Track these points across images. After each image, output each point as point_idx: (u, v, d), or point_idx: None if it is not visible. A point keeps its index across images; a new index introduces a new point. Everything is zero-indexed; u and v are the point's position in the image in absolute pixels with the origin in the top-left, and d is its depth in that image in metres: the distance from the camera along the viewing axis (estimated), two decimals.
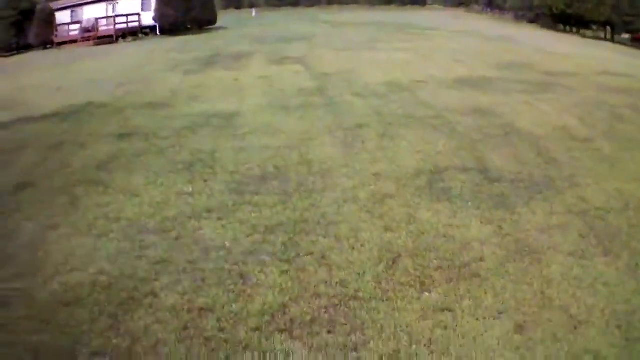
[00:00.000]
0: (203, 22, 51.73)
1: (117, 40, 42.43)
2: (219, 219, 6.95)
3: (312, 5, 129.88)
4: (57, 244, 6.62)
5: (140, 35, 45.31)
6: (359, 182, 7.93)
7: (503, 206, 7.37)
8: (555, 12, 68.70)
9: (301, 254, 6.00)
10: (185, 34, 44.06)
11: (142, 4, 48.11)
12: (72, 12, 49.61)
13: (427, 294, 5.33)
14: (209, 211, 7.21)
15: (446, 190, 7.82)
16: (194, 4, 47.25)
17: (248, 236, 6.45)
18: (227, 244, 6.29)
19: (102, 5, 49.10)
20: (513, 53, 27.45)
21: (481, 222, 6.84)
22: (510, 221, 6.92)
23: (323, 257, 5.94)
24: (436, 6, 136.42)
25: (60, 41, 43.86)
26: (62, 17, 47.27)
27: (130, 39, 43.66)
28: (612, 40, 65.79)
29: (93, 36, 42.99)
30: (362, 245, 6.16)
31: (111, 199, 7.93)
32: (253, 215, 6.99)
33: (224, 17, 58.97)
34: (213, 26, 53.57)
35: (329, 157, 8.90)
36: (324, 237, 6.34)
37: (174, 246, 6.36)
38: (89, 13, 48.03)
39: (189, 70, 20.59)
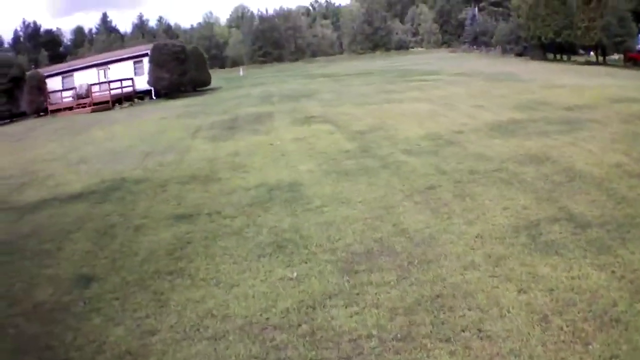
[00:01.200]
0: (198, 84, 52.05)
1: (113, 105, 42.15)
2: (346, 305, 6.62)
3: (296, 60, 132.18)
4: (168, 354, 6.00)
5: (135, 100, 45.19)
6: (467, 247, 7.88)
7: (604, 250, 7.51)
8: (545, 41, 69.52)
9: (457, 331, 5.83)
10: (183, 97, 43.89)
11: (135, 68, 48.53)
12: (62, 78, 49.99)
13: (590, 346, 5.37)
14: (329, 297, 6.88)
15: (549, 243, 7.88)
16: (188, 66, 47.25)
17: (391, 320, 6.18)
18: (374, 332, 5.98)
19: (93, 70, 49.58)
20: (524, 91, 28.30)
21: (595, 270, 6.96)
22: (617, 264, 7.07)
23: (479, 330, 5.82)
24: (419, 49, 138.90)
25: (54, 108, 43.69)
26: (52, 83, 47.41)
27: (126, 104, 43.47)
28: (604, 62, 66.49)
29: (89, 102, 42.56)
30: (508, 312, 6.09)
31: (204, 292, 7.39)
32: (381, 296, 6.75)
33: (213, 77, 59.35)
34: (208, 87, 54.02)
35: (424, 225, 8.81)
36: (469, 310, 6.21)
37: (315, 343, 5.90)
38: (80, 79, 48.06)
39: (215, 137, 20.49)
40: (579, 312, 6.00)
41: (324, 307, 6.68)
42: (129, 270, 8.38)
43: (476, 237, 8.26)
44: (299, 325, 6.31)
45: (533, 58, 72.84)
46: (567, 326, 5.75)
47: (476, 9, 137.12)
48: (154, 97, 46.26)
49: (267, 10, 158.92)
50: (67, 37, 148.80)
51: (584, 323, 5.79)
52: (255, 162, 15.04)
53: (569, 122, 17.74)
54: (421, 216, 9.26)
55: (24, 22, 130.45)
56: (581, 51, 76.73)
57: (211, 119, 25.92)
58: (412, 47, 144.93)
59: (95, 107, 41.84)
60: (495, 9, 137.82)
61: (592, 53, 75.01)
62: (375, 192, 10.88)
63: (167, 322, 6.69)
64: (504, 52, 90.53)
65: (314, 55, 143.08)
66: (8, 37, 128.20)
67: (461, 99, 25.84)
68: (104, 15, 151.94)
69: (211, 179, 13.64)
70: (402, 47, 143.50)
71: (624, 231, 8.13)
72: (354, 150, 15.25)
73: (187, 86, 49.52)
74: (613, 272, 6.88)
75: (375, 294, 6.86)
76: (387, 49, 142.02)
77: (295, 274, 7.66)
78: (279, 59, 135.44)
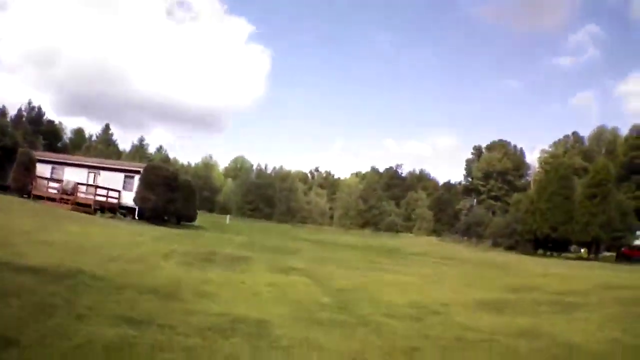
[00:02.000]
0: (182, 217, 52.50)
1: (95, 212, 41.68)
2: None
3: (285, 222, 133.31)
4: None
5: (118, 214, 44.52)
6: None
7: None
8: (539, 236, 70.08)
9: None
10: (165, 225, 43.57)
11: (124, 182, 48.16)
12: (52, 167, 49.79)
13: None
14: None
15: None
16: (177, 196, 47.11)
17: None
18: None
19: (84, 170, 49.64)
20: (514, 276, 28.53)
21: None
22: None
23: None
24: (408, 234, 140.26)
25: (37, 194, 43.29)
26: (41, 169, 47.12)
27: (108, 214, 42.83)
28: (596, 259, 66.67)
29: (72, 200, 42.10)
30: None
31: None
32: None
33: (199, 218, 60.19)
34: (192, 223, 54.62)
35: None
36: None
37: None
38: (70, 174, 47.88)
39: (187, 263, 19.53)
40: None
41: None
42: (58, 348, 7.21)
43: None
44: None
45: (523, 252, 73.22)
46: None
47: (475, 200, 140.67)
48: (136, 217, 45.75)
49: (266, 167, 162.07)
50: (67, 134, 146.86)
51: None
52: (223, 294, 13.90)
53: (561, 304, 17.46)
54: None
55: (29, 104, 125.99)
56: (572, 248, 77.56)
57: (188, 248, 25.14)
58: (401, 231, 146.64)
59: (77, 207, 41.42)
60: (494, 202, 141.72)
61: (582, 250, 75.76)
62: (351, 345, 9.71)
63: None
64: (495, 245, 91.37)
65: (304, 221, 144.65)
66: (12, 112, 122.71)
67: (448, 277, 25.56)
68: (107, 126, 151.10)
69: (173, 297, 12.50)
70: (391, 229, 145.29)
71: None
72: (330, 305, 14.17)
73: (172, 216, 49.42)
74: None
75: None
76: (377, 229, 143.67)
77: None
78: (268, 217, 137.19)
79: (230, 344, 8.82)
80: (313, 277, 19.73)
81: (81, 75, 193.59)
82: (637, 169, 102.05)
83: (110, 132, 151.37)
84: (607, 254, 72.32)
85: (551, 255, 73.26)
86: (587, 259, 66.69)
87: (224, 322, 10.45)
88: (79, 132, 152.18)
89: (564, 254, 75.30)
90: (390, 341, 10.36)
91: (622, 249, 65.18)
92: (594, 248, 69.36)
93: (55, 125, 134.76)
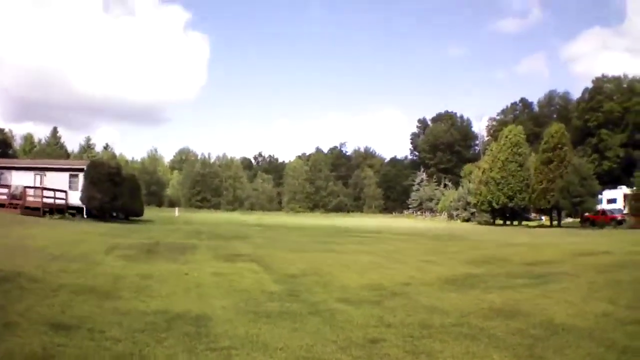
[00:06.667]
0: (130, 212, 53.93)
1: (44, 214, 42.70)
2: None
3: (233, 210, 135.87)
4: None
5: (66, 214, 45.52)
6: None
7: None
8: (495, 206, 70.09)
9: None
10: (112, 221, 44.63)
11: (70, 182, 49.35)
12: (0, 173, 50.61)
13: None
14: None
15: None
16: (122, 191, 47.99)
17: None
18: None
19: (30, 173, 50.51)
20: (478, 248, 28.11)
21: None
22: None
23: None
24: (359, 213, 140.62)
25: None
26: None
27: (57, 215, 43.93)
28: (559, 225, 66.87)
29: (21, 205, 43.89)
30: None
31: None
32: None
33: (147, 212, 61.77)
34: (140, 218, 56.11)
35: None
36: None
37: None
38: (17, 178, 48.92)
39: (130, 257, 19.23)
40: None
41: None
42: None
43: None
44: None
45: (481, 223, 73.40)
46: None
47: (424, 174, 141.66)
48: (85, 216, 46.74)
49: (209, 156, 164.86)
50: (17, 141, 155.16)
51: None
52: (163, 289, 13.21)
53: (535, 276, 16.91)
54: None
55: None
56: (533, 216, 78.00)
57: (132, 241, 25.06)
58: (352, 211, 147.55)
59: (26, 210, 42.96)
60: (444, 175, 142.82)
61: (543, 218, 76.16)
62: (301, 340, 8.62)
63: None
64: (450, 218, 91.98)
65: (252, 208, 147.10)
66: None
67: (408, 254, 24.76)
68: (54, 129, 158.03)
69: (110, 296, 11.96)
70: (341, 209, 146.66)
71: None
72: (279, 293, 13.20)
73: (119, 212, 50.82)
74: None
75: None
76: (327, 210, 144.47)
77: None
78: (216, 207, 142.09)
79: (163, 348, 8.01)
80: (262, 264, 18.93)
81: (23, 80, 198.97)
82: (592, 132, 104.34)
83: (58, 134, 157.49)
84: (570, 220, 72.67)
85: (511, 224, 73.57)
86: (550, 227, 66.73)
87: (160, 321, 9.70)
88: (28, 138, 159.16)
89: (524, 222, 75.77)
90: (345, 332, 9.28)
91: (586, 214, 64.94)
92: (556, 215, 69.46)
93: (5, 133, 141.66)
